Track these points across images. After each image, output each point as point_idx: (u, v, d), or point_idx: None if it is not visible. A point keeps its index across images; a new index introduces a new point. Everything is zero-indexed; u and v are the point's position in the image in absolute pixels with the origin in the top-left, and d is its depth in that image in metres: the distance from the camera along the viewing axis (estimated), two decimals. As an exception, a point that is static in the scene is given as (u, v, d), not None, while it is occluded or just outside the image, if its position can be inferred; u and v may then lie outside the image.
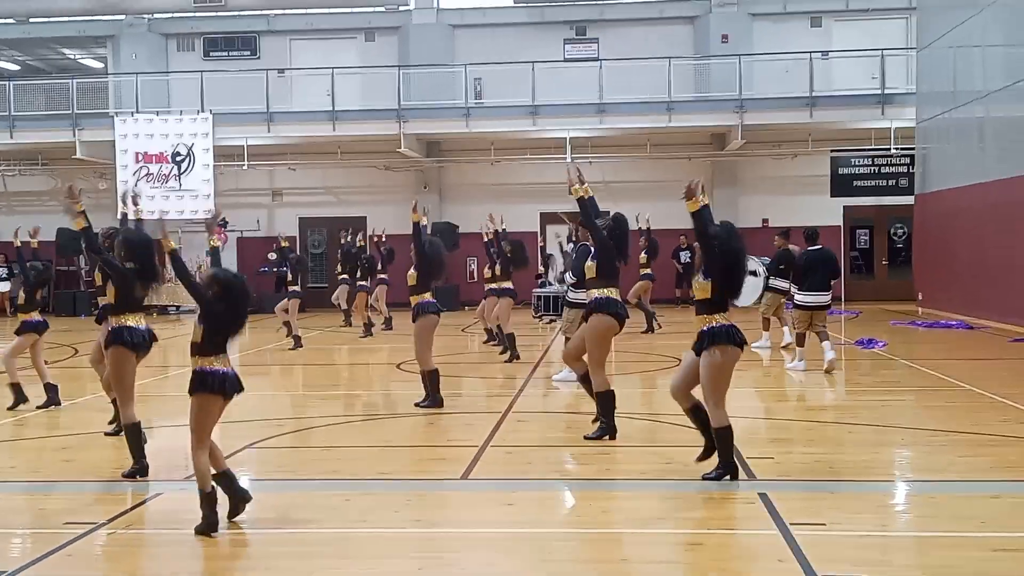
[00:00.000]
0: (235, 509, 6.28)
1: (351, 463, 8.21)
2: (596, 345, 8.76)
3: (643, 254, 17.98)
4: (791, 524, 5.97)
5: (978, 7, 19.29)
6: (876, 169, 24.18)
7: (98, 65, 30.93)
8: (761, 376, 13.33)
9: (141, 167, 25.24)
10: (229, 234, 27.41)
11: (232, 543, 6.01)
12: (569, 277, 11.60)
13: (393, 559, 5.61)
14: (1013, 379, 12.12)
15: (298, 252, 24.46)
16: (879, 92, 24.13)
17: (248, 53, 28.47)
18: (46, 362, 11.29)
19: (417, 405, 10.56)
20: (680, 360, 8.02)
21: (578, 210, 8.72)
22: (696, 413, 7.21)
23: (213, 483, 6.14)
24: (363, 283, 19.84)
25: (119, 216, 9.10)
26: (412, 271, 10.62)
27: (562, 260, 18.28)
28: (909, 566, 5.40)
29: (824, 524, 6.08)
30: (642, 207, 20.09)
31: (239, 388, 6.31)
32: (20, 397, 10.71)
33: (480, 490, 7.24)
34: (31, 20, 28.86)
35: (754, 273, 15.09)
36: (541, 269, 17.41)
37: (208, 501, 6.08)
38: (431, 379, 10.54)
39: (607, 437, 8.62)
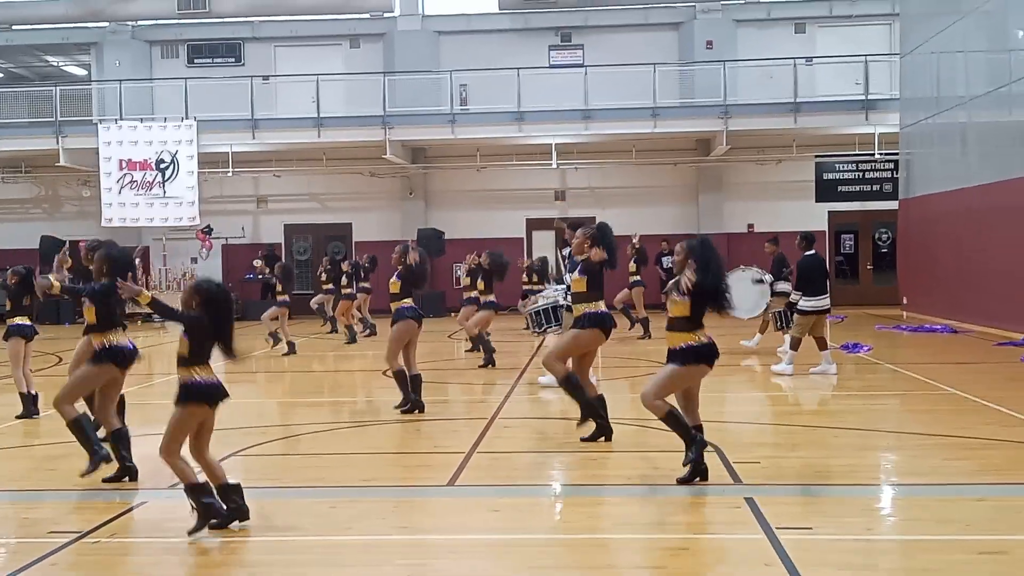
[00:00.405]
0: (236, 520, 6.25)
1: (337, 470, 8.18)
2: (575, 346, 8.84)
3: (632, 263, 18.06)
4: (777, 528, 5.98)
5: (960, 13, 19.41)
6: (860, 174, 24.30)
7: (81, 72, 30.83)
8: (746, 380, 13.37)
9: (125, 174, 25.16)
10: (214, 241, 27.38)
11: (218, 551, 5.97)
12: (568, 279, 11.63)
13: (379, 566, 5.60)
14: (997, 383, 12.17)
15: (283, 259, 24.44)
16: (863, 98, 24.27)
17: (232, 60, 28.43)
18: (32, 370, 11.24)
19: (397, 408, 10.59)
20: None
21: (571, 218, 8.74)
22: (671, 419, 7.20)
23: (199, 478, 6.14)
24: (349, 290, 19.87)
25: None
26: (395, 279, 10.67)
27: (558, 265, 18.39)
28: (895, 570, 5.41)
29: (810, 528, 6.10)
30: (628, 212, 20.16)
31: (224, 395, 6.30)
32: (30, 406, 10.74)
33: (466, 496, 7.22)
34: (14, 27, 28.77)
35: (761, 281, 15.07)
36: (524, 277, 17.42)
37: (195, 491, 6.07)
38: (400, 380, 10.62)
39: (603, 439, 8.71)
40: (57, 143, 25.54)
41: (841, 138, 25.22)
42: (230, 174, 26.18)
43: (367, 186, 27.67)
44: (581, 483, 7.63)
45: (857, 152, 24.65)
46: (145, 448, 8.52)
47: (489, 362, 14.69)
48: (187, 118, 25.34)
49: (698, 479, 7.08)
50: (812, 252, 13.29)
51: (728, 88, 24.53)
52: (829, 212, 26.02)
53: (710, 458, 7.87)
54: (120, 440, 7.64)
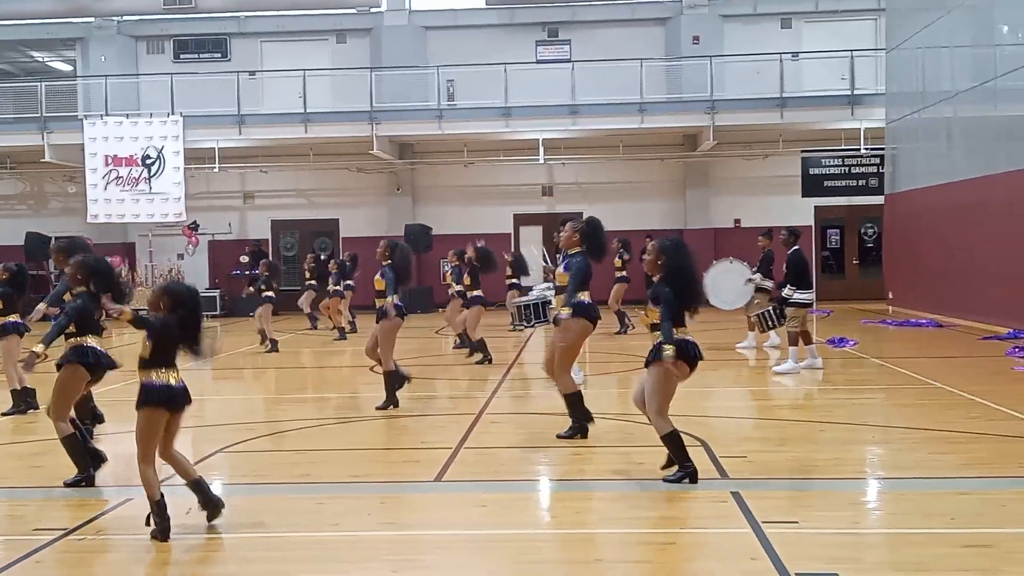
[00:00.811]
0: (211, 515, 6.24)
1: (323, 466, 8.17)
2: (571, 349, 8.85)
3: (617, 258, 18.06)
4: (764, 522, 6.00)
5: (946, 8, 19.48)
6: (846, 169, 24.35)
7: (67, 68, 30.65)
8: (733, 376, 13.40)
9: (111, 170, 25.04)
10: (200, 237, 27.29)
11: (205, 548, 5.96)
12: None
13: (366, 562, 5.59)
14: (982, 376, 12.23)
15: (270, 256, 24.37)
16: (849, 93, 24.33)
17: (219, 55, 28.31)
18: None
19: (379, 408, 10.59)
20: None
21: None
22: (673, 439, 7.16)
23: (162, 492, 6.11)
24: (337, 288, 19.87)
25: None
26: (379, 276, 10.67)
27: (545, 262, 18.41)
28: (881, 563, 5.43)
29: (796, 522, 6.12)
30: (615, 208, 20.16)
31: (186, 401, 6.25)
32: (20, 402, 10.71)
33: (454, 492, 7.22)
34: (-2, 23, 28.59)
35: (749, 280, 15.01)
36: (509, 271, 17.42)
37: (157, 509, 6.05)
38: (390, 381, 10.63)
39: (579, 436, 8.70)
40: (42, 139, 25.40)
41: (827, 133, 25.28)
42: (216, 170, 26.09)
43: (354, 182, 27.62)
44: (567, 478, 7.64)
45: (843, 147, 24.70)
46: (127, 447, 8.49)
47: (479, 357, 14.60)
48: (173, 114, 25.22)
49: (687, 480, 7.04)
50: (798, 247, 13.30)
51: (715, 83, 24.55)
52: (815, 207, 26.08)
53: (697, 453, 7.90)
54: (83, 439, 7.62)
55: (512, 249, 24.10)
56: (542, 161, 25.67)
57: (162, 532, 6.00)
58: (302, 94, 25.27)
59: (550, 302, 12.12)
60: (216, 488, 7.50)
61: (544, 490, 7.36)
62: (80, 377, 7.54)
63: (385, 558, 5.65)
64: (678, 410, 7.42)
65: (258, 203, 28.41)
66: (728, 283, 15.01)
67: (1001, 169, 17.08)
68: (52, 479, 7.71)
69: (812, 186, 24.40)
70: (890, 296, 22.92)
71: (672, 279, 6.97)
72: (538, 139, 25.10)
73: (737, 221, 26.80)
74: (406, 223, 25.77)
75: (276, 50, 28.24)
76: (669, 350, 6.81)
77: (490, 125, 25.10)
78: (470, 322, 15.11)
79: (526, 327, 15.25)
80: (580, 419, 8.79)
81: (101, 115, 25.47)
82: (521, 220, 27.53)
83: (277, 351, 16.92)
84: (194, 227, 26.78)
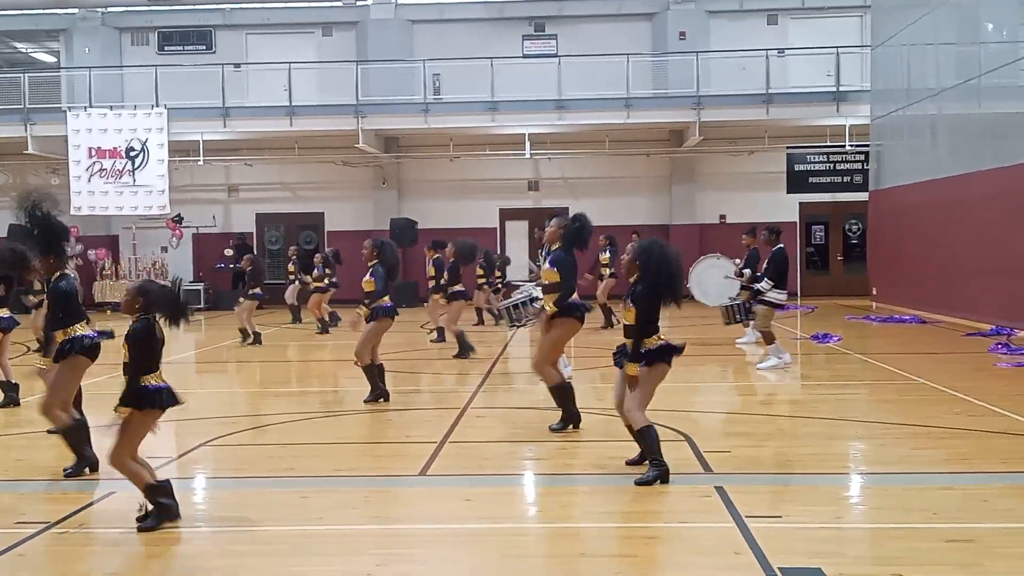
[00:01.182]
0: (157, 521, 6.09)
1: (308, 460, 8.14)
2: (556, 344, 8.86)
3: (605, 253, 18.06)
4: (747, 517, 6.02)
5: (931, 6, 19.55)
6: (831, 166, 24.42)
7: (50, 59, 30.45)
8: (717, 371, 13.43)
9: (94, 162, 24.92)
10: (185, 230, 27.18)
11: (188, 542, 5.94)
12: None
13: (351, 556, 5.58)
14: (965, 372, 12.30)
15: (254, 251, 24.31)
16: (834, 89, 24.40)
17: (204, 47, 28.16)
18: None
19: (366, 402, 10.58)
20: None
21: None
22: (648, 434, 7.13)
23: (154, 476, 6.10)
24: (320, 284, 19.82)
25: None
26: (368, 277, 10.65)
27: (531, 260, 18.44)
28: (863, 557, 5.45)
29: (780, 517, 6.14)
30: (601, 203, 20.17)
31: (175, 402, 6.20)
32: (8, 396, 10.69)
33: (438, 486, 7.22)
34: (-19, 14, 28.38)
35: (739, 275, 14.99)
36: (483, 269, 17.44)
37: (154, 492, 6.02)
38: (370, 374, 10.64)
39: (571, 427, 8.74)
40: (25, 131, 25.23)
41: (812, 129, 25.35)
42: (201, 163, 25.97)
43: (339, 175, 27.55)
44: (553, 472, 7.64)
45: (828, 144, 24.77)
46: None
47: (469, 349, 14.59)
48: (157, 106, 25.10)
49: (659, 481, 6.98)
50: (782, 245, 13.29)
51: (701, 79, 24.58)
52: (800, 203, 26.16)
53: (681, 448, 7.93)
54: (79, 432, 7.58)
55: (499, 245, 24.13)
56: (528, 156, 25.66)
57: (168, 516, 6.02)
58: (287, 87, 25.16)
59: (537, 298, 12.11)
60: (200, 482, 7.51)
61: (529, 484, 7.36)
62: (82, 366, 7.54)
63: (370, 552, 5.64)
64: (663, 405, 7.44)
65: (243, 196, 28.31)
66: (714, 278, 15.04)
67: (985, 166, 17.16)
68: (34, 472, 7.68)
69: (797, 182, 24.46)
70: (874, 292, 23.02)
71: (647, 280, 6.97)
72: (524, 134, 25.09)
73: (722, 217, 26.87)
74: (391, 217, 25.71)
75: (261, 42, 28.11)
76: (633, 370, 6.93)
77: (476, 119, 25.07)
78: (452, 318, 15.13)
79: (518, 327, 15.26)
80: (570, 409, 8.79)
81: (85, 107, 25.34)
82: (507, 215, 27.52)
83: (260, 343, 16.87)
84: (178, 220, 26.68)
